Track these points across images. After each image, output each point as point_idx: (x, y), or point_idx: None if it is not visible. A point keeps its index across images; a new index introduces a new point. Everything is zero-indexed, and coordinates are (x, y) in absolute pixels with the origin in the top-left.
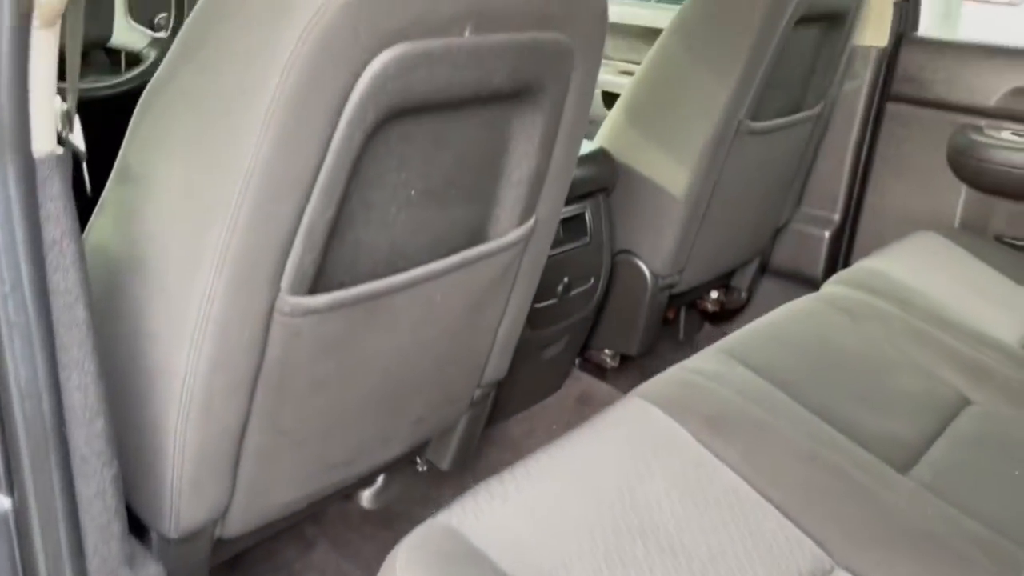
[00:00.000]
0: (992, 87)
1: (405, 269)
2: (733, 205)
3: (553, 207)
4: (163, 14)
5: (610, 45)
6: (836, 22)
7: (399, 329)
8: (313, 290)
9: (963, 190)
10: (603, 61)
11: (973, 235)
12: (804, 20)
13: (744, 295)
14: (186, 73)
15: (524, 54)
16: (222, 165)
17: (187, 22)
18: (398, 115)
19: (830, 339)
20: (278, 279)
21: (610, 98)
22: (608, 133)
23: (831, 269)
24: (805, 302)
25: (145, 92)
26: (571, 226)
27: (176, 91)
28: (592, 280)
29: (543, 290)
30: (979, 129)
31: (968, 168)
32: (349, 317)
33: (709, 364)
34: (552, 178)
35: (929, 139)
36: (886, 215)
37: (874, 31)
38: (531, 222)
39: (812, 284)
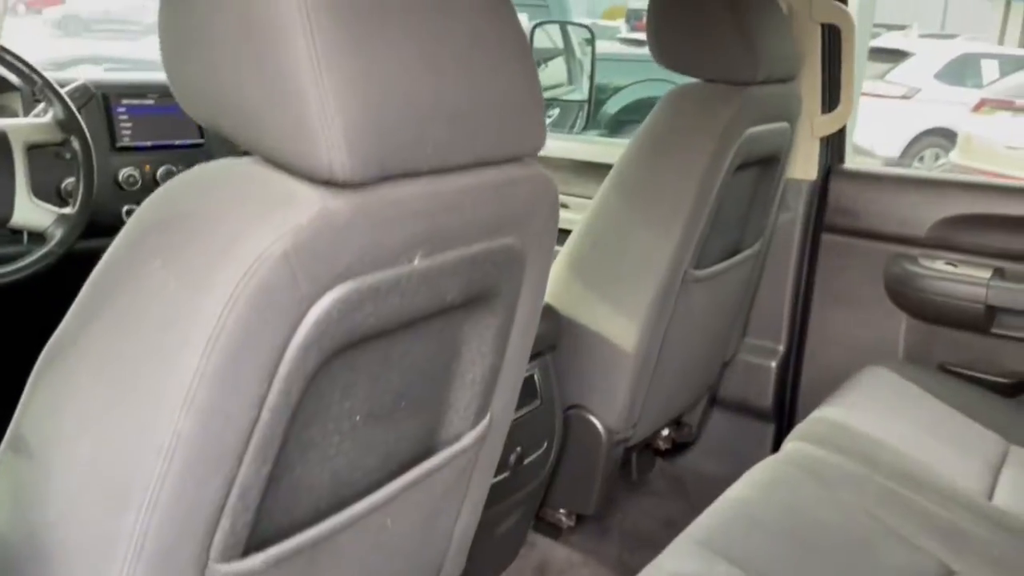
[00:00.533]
0: (923, 217)
1: (351, 501)
2: (683, 351)
3: (508, 402)
4: (70, 179)
5: None
6: (770, 162)
7: (346, 566)
8: (246, 550)
9: (904, 319)
10: None
11: (919, 368)
12: (742, 165)
13: (695, 429)
14: (92, 333)
15: (476, 266)
16: (135, 441)
17: (94, 273)
18: (342, 350)
19: (805, 513)
20: (206, 550)
21: None
22: (552, 287)
23: (780, 399)
24: (771, 468)
25: (43, 353)
26: (521, 390)
27: (79, 354)
28: (545, 444)
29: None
30: (914, 259)
31: (907, 298)
32: (290, 570)
33: (687, 564)
34: (506, 373)
35: (866, 269)
36: (830, 344)
37: (803, 165)
38: (486, 421)
39: (762, 415)
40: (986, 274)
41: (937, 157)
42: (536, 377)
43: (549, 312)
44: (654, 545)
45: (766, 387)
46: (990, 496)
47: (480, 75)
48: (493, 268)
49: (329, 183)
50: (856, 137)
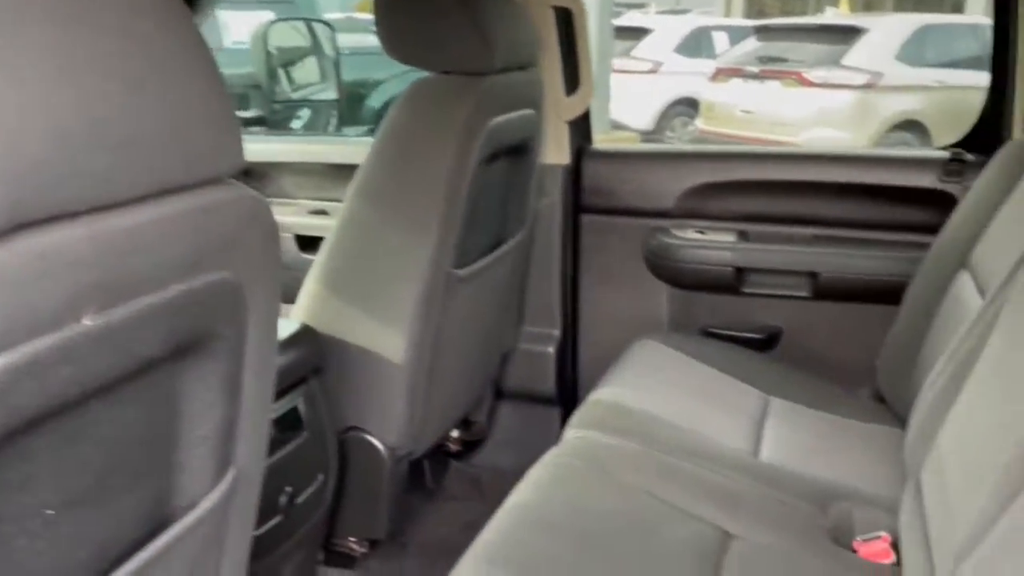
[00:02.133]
0: (671, 190)
1: None
2: (458, 352)
3: (256, 448)
4: None
5: (293, 184)
6: (521, 150)
7: None
8: None
9: (665, 289)
10: (289, 202)
11: (684, 335)
12: (491, 157)
13: (485, 425)
14: None
15: (177, 311)
16: None
17: None
18: (7, 437)
19: (588, 504)
20: None
21: (305, 242)
22: (308, 306)
23: (562, 383)
24: (552, 463)
25: None
26: (283, 424)
27: None
28: (320, 476)
29: (262, 512)
30: (667, 231)
31: (665, 269)
32: None
33: None
34: (247, 421)
35: (626, 245)
36: (602, 323)
37: (555, 150)
38: (230, 476)
39: (547, 401)
40: (732, 238)
41: (685, 125)
42: (300, 408)
43: (308, 334)
44: (455, 553)
45: (547, 373)
46: (756, 453)
47: (152, 95)
48: (202, 311)
49: None
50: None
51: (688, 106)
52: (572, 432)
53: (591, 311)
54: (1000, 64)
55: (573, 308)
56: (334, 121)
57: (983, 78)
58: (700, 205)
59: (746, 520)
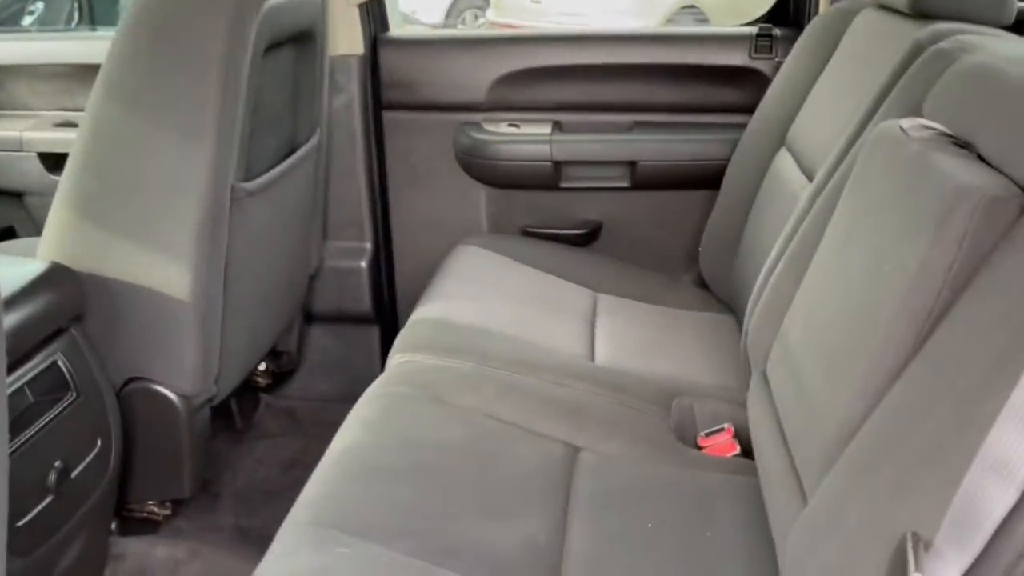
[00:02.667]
0: (480, 80)
1: None
2: (255, 279)
3: None
4: None
5: (29, 91)
6: (306, 39)
7: None
8: None
9: (483, 189)
10: (27, 114)
11: (505, 237)
12: (272, 46)
13: (295, 354)
14: None
15: None
16: None
17: None
18: None
19: (425, 440)
20: None
21: (52, 160)
22: (58, 240)
23: (378, 299)
24: (380, 397)
25: None
26: (41, 386)
27: None
28: (99, 441)
29: (24, 496)
30: (478, 126)
31: (479, 167)
32: None
33: (301, 557)
34: None
35: (436, 143)
36: (418, 230)
37: (346, 38)
38: None
39: (364, 320)
40: (547, 129)
41: (477, 18)
42: (62, 364)
43: (60, 274)
44: (278, 497)
45: (361, 291)
46: (592, 355)
47: None
48: None
49: None
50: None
51: None
52: (397, 358)
53: (403, 219)
54: None
55: (384, 217)
56: (76, 16)
57: None
58: (511, 95)
59: (591, 431)
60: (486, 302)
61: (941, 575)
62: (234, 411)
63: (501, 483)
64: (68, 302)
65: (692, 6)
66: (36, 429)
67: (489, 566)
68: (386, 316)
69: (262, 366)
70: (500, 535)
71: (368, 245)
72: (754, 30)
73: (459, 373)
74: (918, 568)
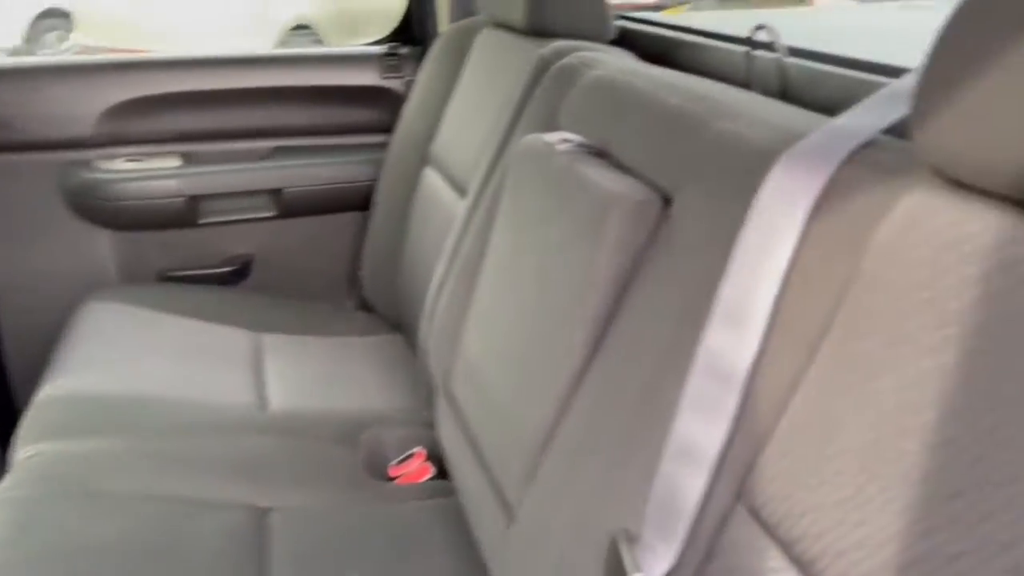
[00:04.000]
0: (84, 111)
1: None
2: None
3: None
4: None
5: None
6: None
7: None
8: None
9: (105, 235)
10: None
11: (141, 286)
12: None
13: None
14: None
15: None
16: None
17: None
18: None
19: (79, 545)
20: None
21: None
22: None
23: None
24: (6, 506)
25: None
26: None
27: None
28: None
29: None
30: (89, 164)
31: (97, 211)
32: None
33: None
34: None
35: (37, 188)
36: (28, 290)
37: None
38: None
39: None
40: (175, 163)
41: (62, 40)
42: None
43: None
44: None
45: None
46: (265, 404)
47: None
48: None
49: None
50: None
51: (59, 18)
52: (24, 451)
53: (8, 281)
54: None
55: None
56: None
57: None
58: (126, 128)
59: (276, 487)
60: (127, 365)
61: (652, 569)
62: None
63: (184, 571)
64: None
65: (305, 26)
66: None
67: None
68: (2, 403)
69: None
70: None
71: None
72: (382, 49)
73: (106, 455)
74: (636, 566)
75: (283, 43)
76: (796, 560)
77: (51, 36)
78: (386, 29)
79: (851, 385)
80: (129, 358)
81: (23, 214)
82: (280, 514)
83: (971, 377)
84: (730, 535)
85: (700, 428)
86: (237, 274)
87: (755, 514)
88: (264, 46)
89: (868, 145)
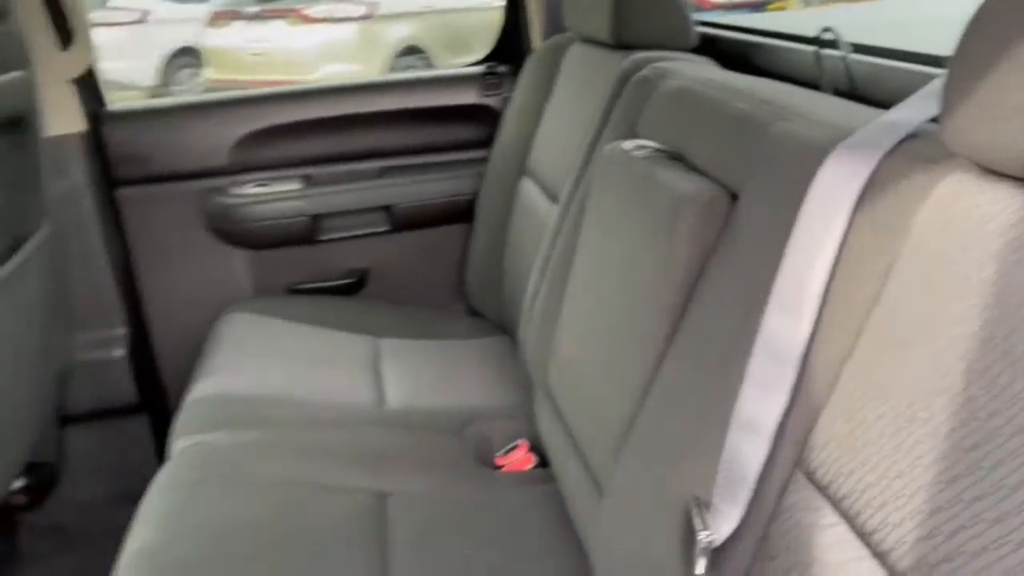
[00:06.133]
0: (219, 144)
1: None
2: None
3: None
4: None
5: None
6: (16, 124)
7: None
8: None
9: (240, 254)
10: None
11: (272, 298)
12: None
13: (53, 462)
14: None
15: None
16: None
17: None
18: None
19: (227, 522)
20: None
21: None
22: None
23: (144, 386)
24: (168, 487)
25: None
26: None
27: None
28: None
29: None
30: (224, 191)
31: (233, 232)
32: None
33: None
34: None
35: (180, 214)
36: (175, 305)
37: (62, 117)
38: None
39: (132, 411)
40: (297, 185)
41: (194, 76)
42: None
43: None
44: None
45: (122, 380)
46: (383, 401)
47: None
48: None
49: None
50: (108, 74)
51: (191, 56)
52: (180, 443)
53: (157, 297)
54: None
55: (136, 299)
56: None
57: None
58: (255, 156)
59: (395, 474)
60: (264, 368)
61: (720, 529)
62: None
63: (315, 546)
64: None
65: (417, 48)
66: None
67: None
68: (155, 402)
69: (18, 483)
70: None
71: (123, 331)
72: (481, 69)
73: (251, 446)
74: (704, 526)
75: (393, 65)
76: (844, 515)
77: (184, 73)
78: (489, 44)
79: (892, 356)
80: (265, 362)
81: (170, 237)
82: (399, 498)
83: (989, 340)
84: (789, 497)
85: (761, 403)
86: (356, 285)
87: (810, 477)
88: (374, 69)
89: (912, 136)
